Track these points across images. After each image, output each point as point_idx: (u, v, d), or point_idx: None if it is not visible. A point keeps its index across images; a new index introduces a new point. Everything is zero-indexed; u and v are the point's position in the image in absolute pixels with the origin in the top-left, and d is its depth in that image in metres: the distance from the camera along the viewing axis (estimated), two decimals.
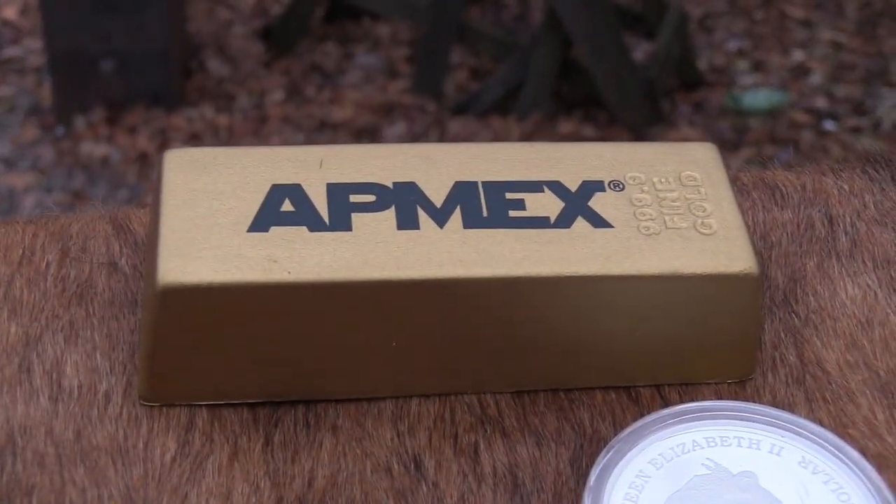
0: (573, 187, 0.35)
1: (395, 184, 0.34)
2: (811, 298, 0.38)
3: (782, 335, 0.37)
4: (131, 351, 0.35)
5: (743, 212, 0.35)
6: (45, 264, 0.37)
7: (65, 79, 1.79)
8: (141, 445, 0.33)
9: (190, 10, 1.97)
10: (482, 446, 0.34)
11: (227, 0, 2.12)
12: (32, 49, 1.88)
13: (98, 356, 0.35)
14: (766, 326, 0.36)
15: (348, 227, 0.33)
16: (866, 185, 0.42)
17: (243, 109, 1.92)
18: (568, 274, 0.33)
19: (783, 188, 0.42)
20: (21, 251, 0.37)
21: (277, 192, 0.34)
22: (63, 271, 0.37)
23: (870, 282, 0.39)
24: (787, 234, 0.40)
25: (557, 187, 0.35)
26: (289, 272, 0.32)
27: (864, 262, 0.39)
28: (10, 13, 2.01)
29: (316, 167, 0.35)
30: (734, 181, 0.36)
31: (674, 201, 0.35)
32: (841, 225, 0.41)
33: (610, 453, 0.32)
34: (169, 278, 0.32)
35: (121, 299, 0.36)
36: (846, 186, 0.42)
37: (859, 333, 0.37)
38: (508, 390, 0.35)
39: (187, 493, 0.32)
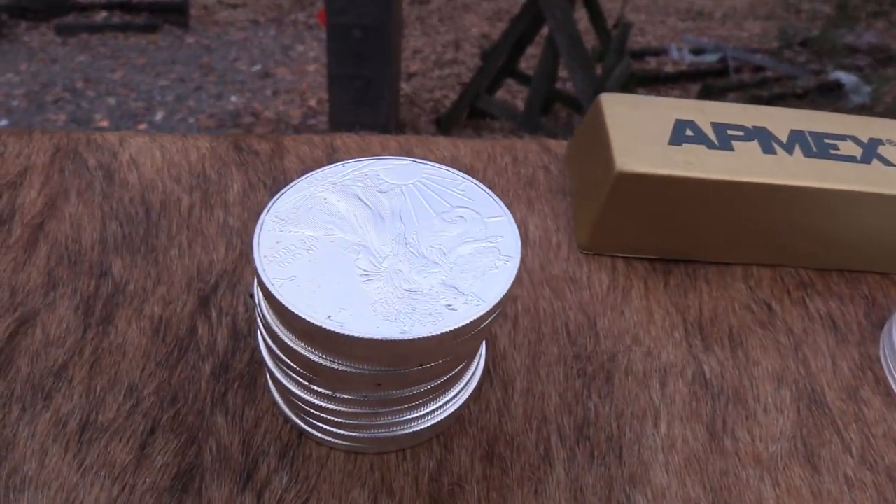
0: (864, 140, 0.27)
1: (753, 126, 0.27)
2: None
3: None
4: (567, 220, 0.28)
5: None
6: (504, 164, 0.30)
7: None
8: (584, 278, 0.26)
9: (400, 107, 2.00)
10: (807, 300, 0.26)
11: (418, 103, 2.07)
12: (322, 121, 1.97)
13: (548, 220, 0.28)
14: None
15: (731, 149, 0.26)
16: None
17: None
18: (873, 192, 0.26)
19: None
20: (487, 155, 0.30)
21: (680, 124, 0.27)
22: (516, 168, 0.30)
23: None
24: None
25: (855, 139, 0.28)
26: (701, 172, 0.25)
27: None
28: (313, 103, 2.04)
29: (700, 112, 0.28)
30: None
31: None
32: None
33: None
34: (623, 168, 0.25)
35: (553, 188, 0.30)
36: None
37: None
38: (813, 267, 0.27)
39: (623, 310, 0.25)
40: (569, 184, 0.30)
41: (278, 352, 0.20)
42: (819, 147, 0.27)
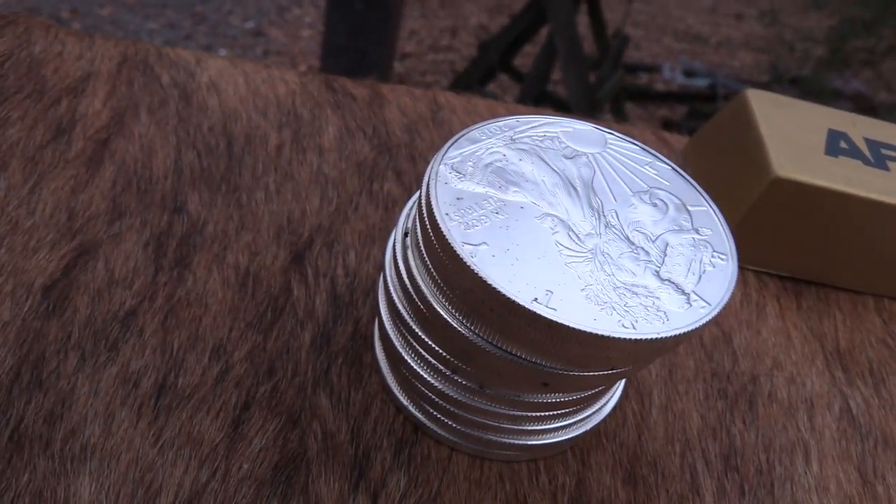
0: None
1: None
2: None
3: None
4: None
5: None
6: None
7: None
8: None
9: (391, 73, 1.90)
10: None
11: (408, 84, 2.00)
12: None
13: None
14: None
15: (887, 169, 0.23)
16: None
17: None
18: None
19: None
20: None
21: (833, 134, 0.24)
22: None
23: None
24: None
25: None
26: (860, 189, 0.22)
27: None
28: (303, 69, 1.92)
29: (851, 125, 0.25)
30: None
31: None
32: None
33: None
34: (780, 174, 0.22)
35: None
36: None
37: None
38: None
39: (759, 329, 0.22)
40: None
41: (419, 330, 0.16)
42: None
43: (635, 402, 0.20)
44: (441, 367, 0.16)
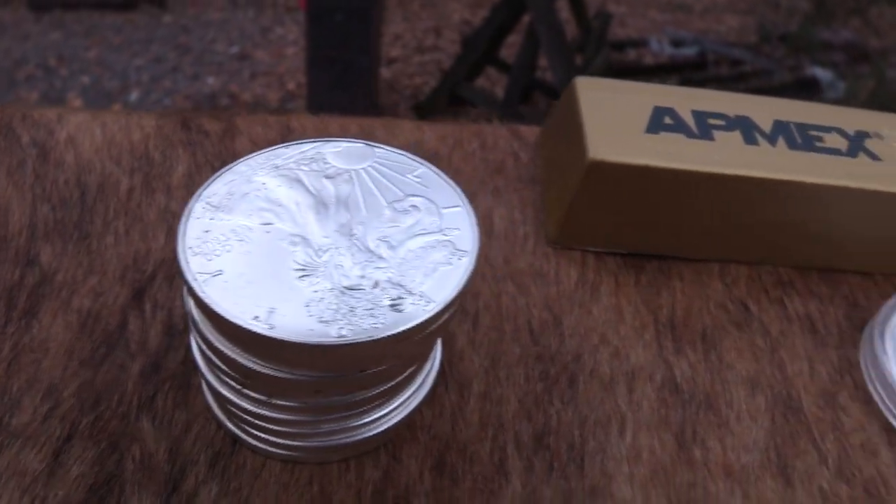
0: (851, 133, 0.26)
1: (735, 115, 0.25)
2: None
3: None
4: (535, 210, 0.26)
5: None
6: (471, 150, 0.28)
7: None
8: (552, 273, 0.24)
9: (380, 93, 1.93)
10: (785, 300, 0.25)
11: (397, 89, 2.03)
12: (300, 105, 1.91)
13: (515, 211, 0.26)
14: None
15: (711, 139, 0.24)
16: None
17: None
18: (859, 187, 0.24)
19: None
20: (453, 140, 0.28)
21: (659, 111, 0.25)
22: (483, 155, 0.28)
23: None
24: None
25: (841, 132, 0.26)
26: (679, 162, 0.23)
27: None
28: (291, 87, 1.97)
29: (680, 99, 0.26)
30: None
31: None
32: None
33: (882, 311, 0.23)
34: (597, 156, 0.23)
35: (523, 176, 0.27)
36: None
37: None
38: (793, 265, 0.26)
39: (591, 308, 0.23)
40: (540, 172, 0.28)
41: (208, 352, 0.18)
42: (804, 139, 0.25)
43: (454, 393, 0.21)
44: (232, 383, 0.18)
